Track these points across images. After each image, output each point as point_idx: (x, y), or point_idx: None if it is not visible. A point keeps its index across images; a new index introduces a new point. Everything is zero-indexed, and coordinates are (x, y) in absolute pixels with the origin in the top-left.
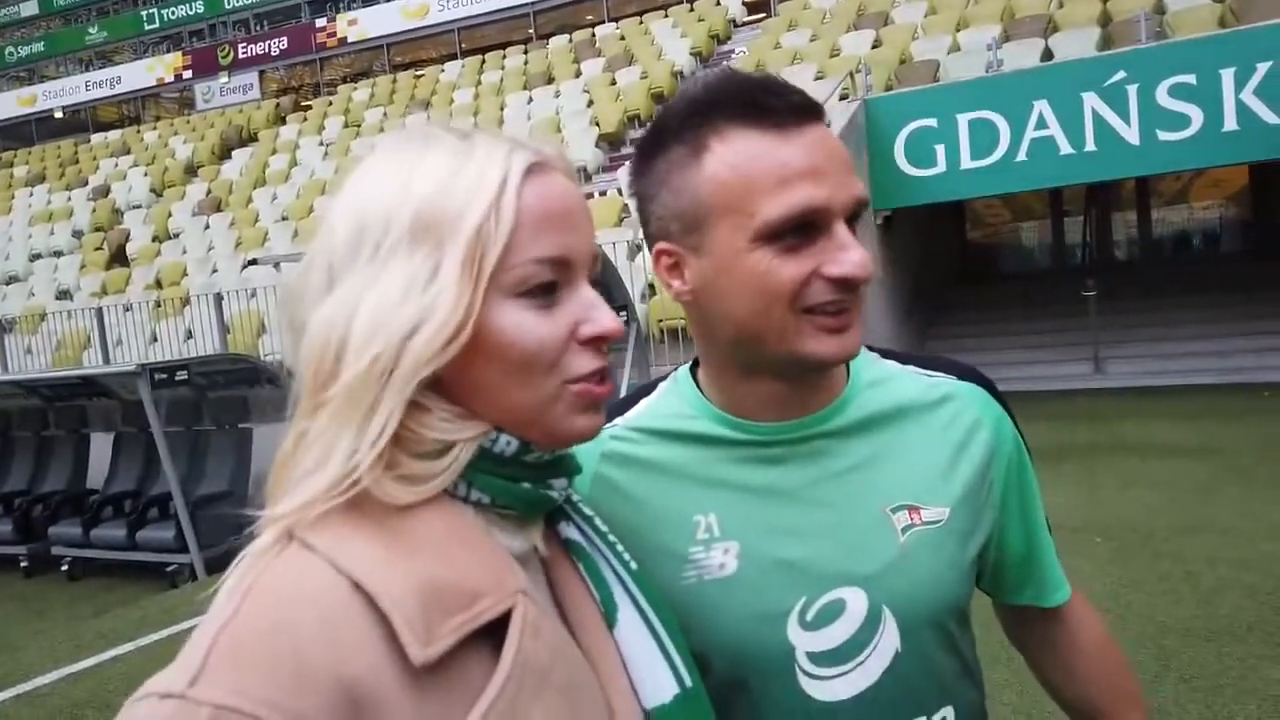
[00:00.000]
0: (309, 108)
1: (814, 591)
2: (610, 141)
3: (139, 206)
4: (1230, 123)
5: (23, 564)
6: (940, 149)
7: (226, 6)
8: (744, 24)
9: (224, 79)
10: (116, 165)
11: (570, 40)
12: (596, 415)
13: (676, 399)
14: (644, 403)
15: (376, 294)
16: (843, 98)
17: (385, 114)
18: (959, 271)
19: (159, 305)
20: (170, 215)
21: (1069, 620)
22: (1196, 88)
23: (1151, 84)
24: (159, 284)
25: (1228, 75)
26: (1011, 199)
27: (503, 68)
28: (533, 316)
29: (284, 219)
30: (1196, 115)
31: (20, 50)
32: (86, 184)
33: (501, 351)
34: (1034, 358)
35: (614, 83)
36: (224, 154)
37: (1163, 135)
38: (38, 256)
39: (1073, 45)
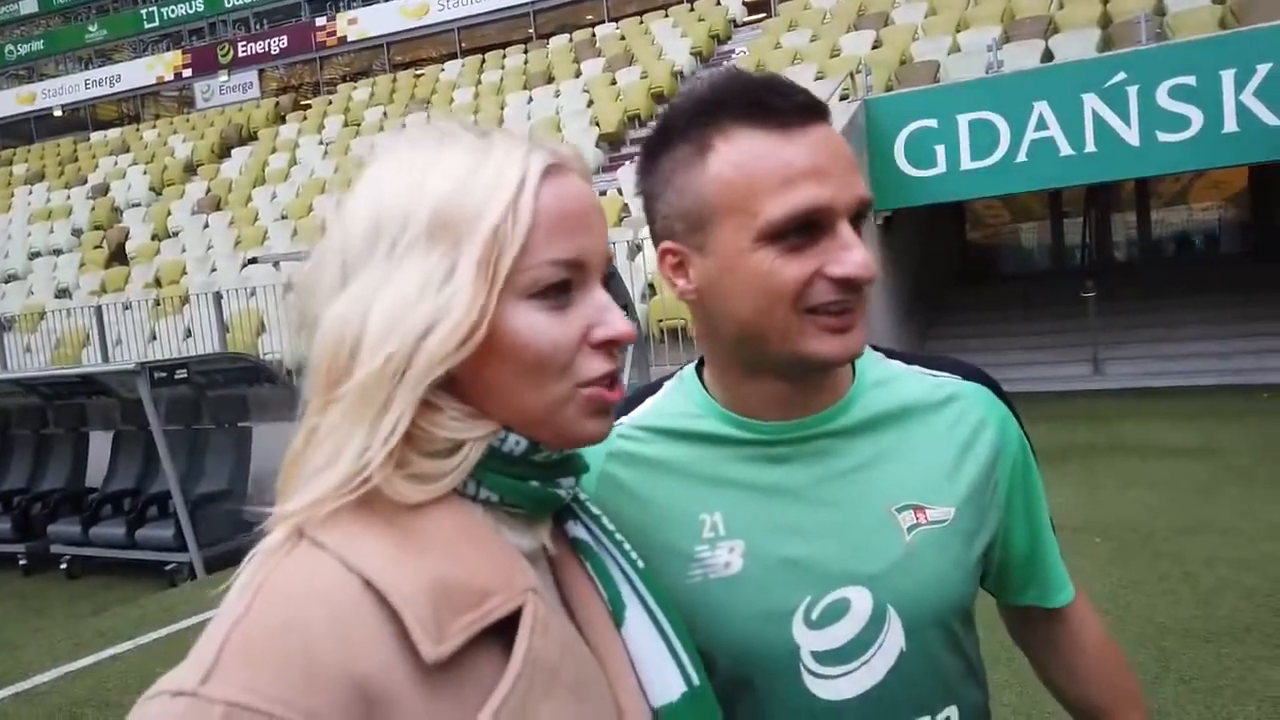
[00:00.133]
0: (309, 107)
1: (819, 590)
2: (610, 141)
3: (138, 205)
4: (1230, 124)
5: (21, 562)
6: (940, 149)
7: (226, 5)
8: (744, 24)
9: (224, 78)
10: (116, 164)
11: (570, 40)
12: (606, 418)
13: (682, 398)
14: (649, 402)
15: (392, 292)
16: (843, 98)
17: (385, 113)
18: (959, 272)
19: (158, 304)
20: (169, 214)
21: (1072, 621)
22: (1196, 89)
23: (1151, 85)
24: (158, 282)
25: (1228, 77)
26: (1011, 200)
27: (503, 67)
28: (546, 318)
29: (283, 218)
30: (1196, 117)
31: (20, 48)
32: (86, 182)
33: (515, 353)
34: (1034, 358)
35: (614, 83)
36: (223, 153)
37: (1163, 136)
38: (37, 255)
39: (1073, 46)
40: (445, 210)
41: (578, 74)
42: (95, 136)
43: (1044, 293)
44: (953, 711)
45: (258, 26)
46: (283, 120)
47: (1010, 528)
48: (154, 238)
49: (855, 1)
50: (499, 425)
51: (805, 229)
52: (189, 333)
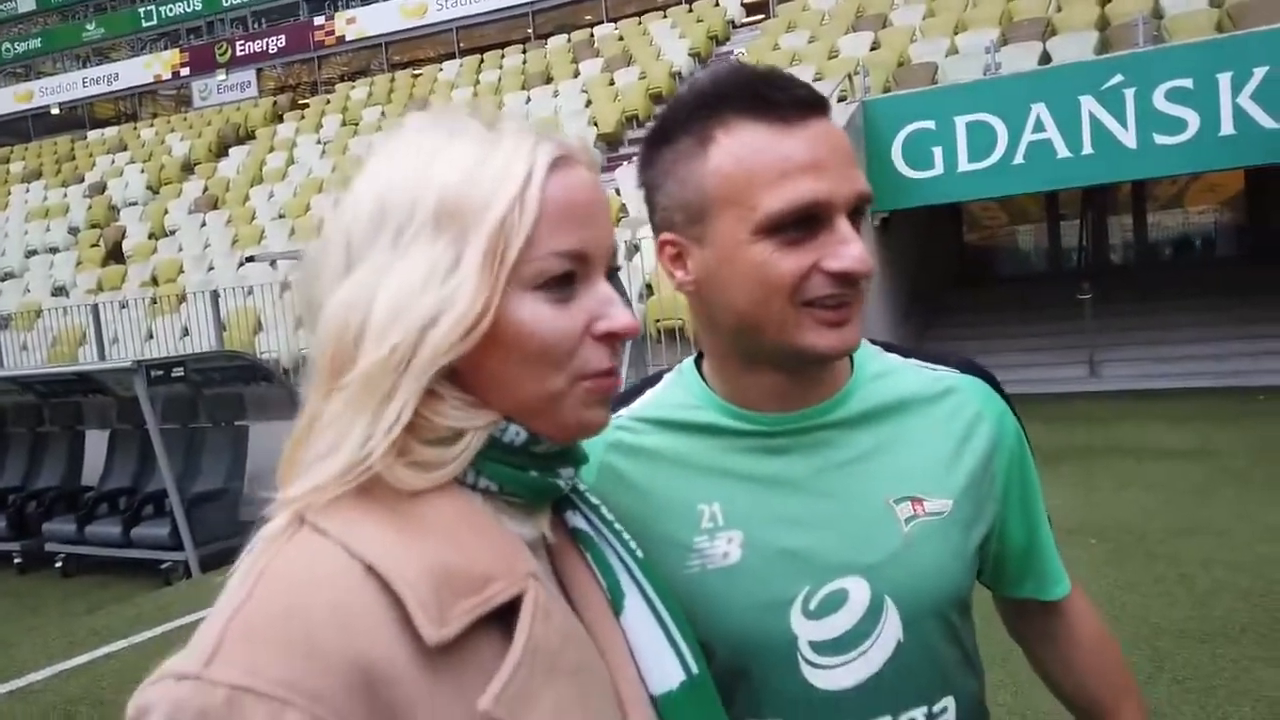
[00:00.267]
0: (306, 106)
1: (817, 581)
2: (608, 142)
3: (135, 203)
4: (1227, 127)
5: (16, 560)
6: (938, 151)
7: (224, 4)
8: (743, 25)
9: (221, 76)
10: (113, 162)
11: (569, 40)
12: (605, 410)
13: (681, 390)
14: (649, 393)
15: (397, 280)
16: (841, 99)
17: (383, 113)
18: (956, 274)
19: (155, 302)
20: (167, 212)
21: (1068, 614)
22: (1193, 92)
23: (1148, 88)
24: (155, 281)
25: (1224, 80)
26: (1008, 202)
27: (501, 67)
28: (550, 309)
29: (281, 217)
30: (1193, 119)
31: (17, 46)
32: (83, 180)
33: (519, 343)
34: (1030, 360)
35: (612, 83)
36: (221, 151)
37: (1159, 139)
38: (33, 253)
39: (1070, 49)
40: (452, 200)
41: (576, 74)
42: (92, 135)
43: (1041, 295)
44: (949, 701)
45: (256, 25)
46: (280, 119)
47: (1007, 520)
48: (151, 236)
49: (853, 3)
50: (500, 415)
51: (803, 222)
52: (186, 331)
